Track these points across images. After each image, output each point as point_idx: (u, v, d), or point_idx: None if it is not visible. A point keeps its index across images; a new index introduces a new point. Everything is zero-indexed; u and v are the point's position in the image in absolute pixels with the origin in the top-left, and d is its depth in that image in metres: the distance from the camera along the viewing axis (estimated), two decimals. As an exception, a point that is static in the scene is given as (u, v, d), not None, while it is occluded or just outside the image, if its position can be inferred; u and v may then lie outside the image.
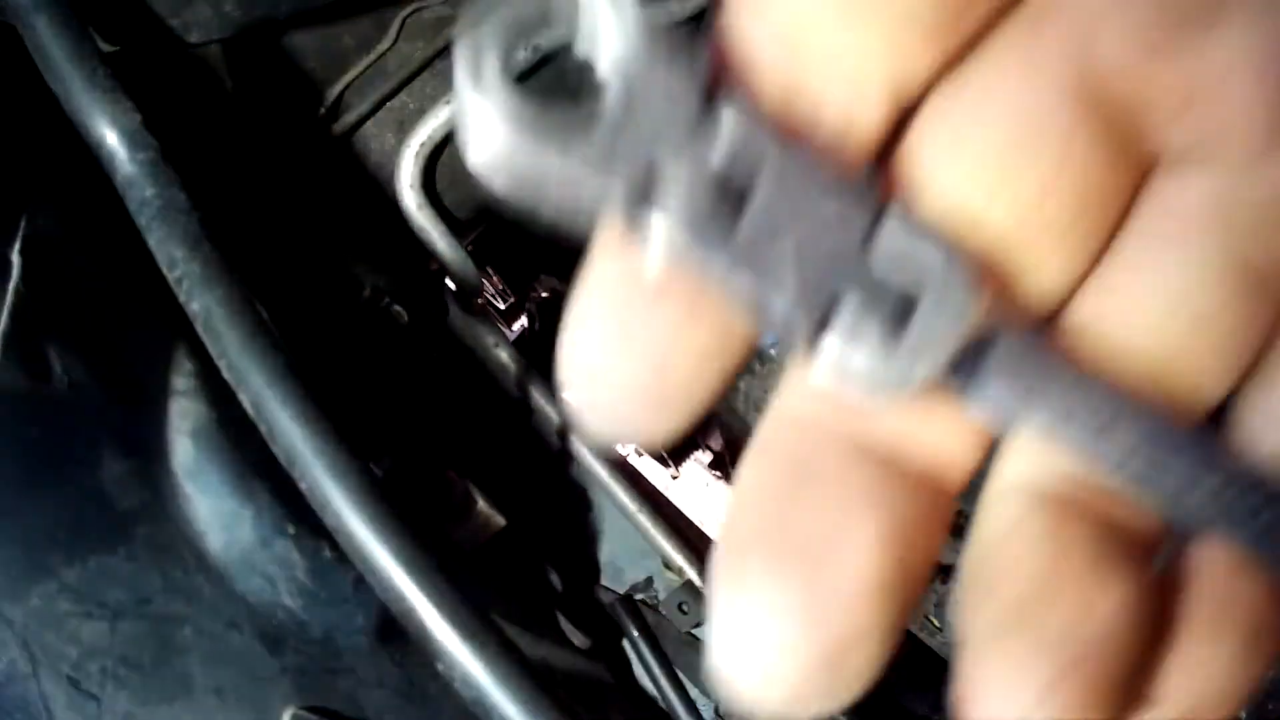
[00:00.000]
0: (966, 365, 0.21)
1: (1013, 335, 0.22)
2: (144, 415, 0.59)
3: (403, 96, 0.96)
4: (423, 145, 0.95)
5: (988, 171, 0.22)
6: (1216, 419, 0.25)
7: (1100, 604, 0.22)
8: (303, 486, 0.45)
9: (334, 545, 0.52)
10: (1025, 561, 0.23)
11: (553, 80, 0.22)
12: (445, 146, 0.98)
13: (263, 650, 0.57)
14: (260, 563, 0.58)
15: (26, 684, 0.48)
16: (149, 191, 0.49)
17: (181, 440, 0.59)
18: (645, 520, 1.09)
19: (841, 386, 0.21)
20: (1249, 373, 0.25)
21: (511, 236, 1.67)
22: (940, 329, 0.20)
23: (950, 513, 0.24)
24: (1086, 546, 0.23)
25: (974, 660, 0.23)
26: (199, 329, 0.47)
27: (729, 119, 0.19)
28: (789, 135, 0.20)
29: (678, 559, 1.09)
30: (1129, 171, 0.25)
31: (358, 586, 0.61)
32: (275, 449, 0.45)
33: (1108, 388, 0.22)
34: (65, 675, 0.49)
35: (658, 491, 1.20)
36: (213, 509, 0.58)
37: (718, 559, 0.22)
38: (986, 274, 0.21)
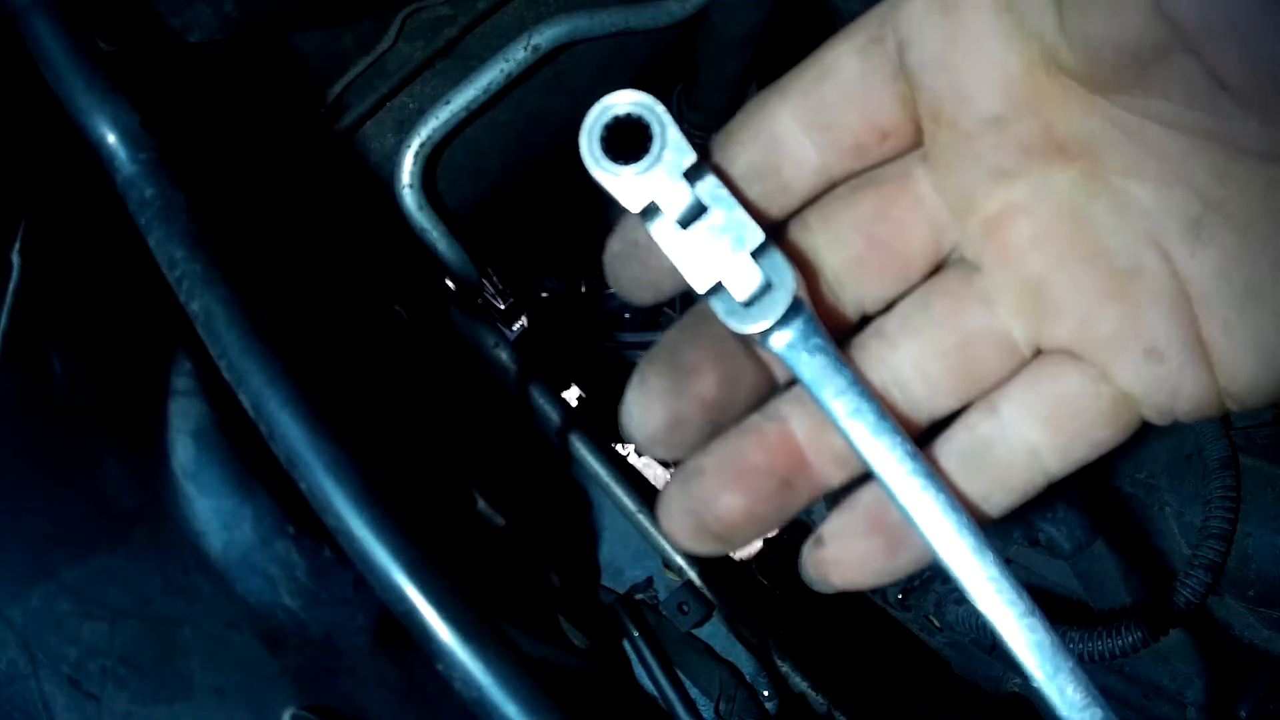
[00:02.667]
0: (778, 326, 0.41)
1: (808, 323, 0.41)
2: (144, 415, 0.59)
3: (403, 96, 0.96)
4: (423, 145, 0.95)
5: (847, 243, 0.44)
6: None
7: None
8: (302, 487, 0.45)
9: (334, 545, 0.52)
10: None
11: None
12: (445, 146, 0.98)
13: (263, 650, 0.57)
14: (260, 563, 0.58)
15: (26, 684, 0.48)
16: (149, 191, 0.49)
17: (181, 440, 0.59)
18: (645, 520, 1.09)
19: (721, 318, 0.41)
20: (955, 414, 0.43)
21: (511, 236, 1.67)
22: (773, 306, 0.41)
23: (761, 384, 0.44)
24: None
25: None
26: (199, 329, 0.47)
27: (705, 180, 0.42)
28: (736, 195, 0.42)
29: (678, 559, 1.09)
30: (934, 256, 0.45)
31: (358, 586, 0.61)
32: (275, 449, 0.45)
33: (853, 375, 0.41)
34: (65, 675, 0.49)
35: (658, 492, 1.20)
36: (213, 509, 0.58)
37: (645, 357, 0.43)
38: (810, 287, 0.44)
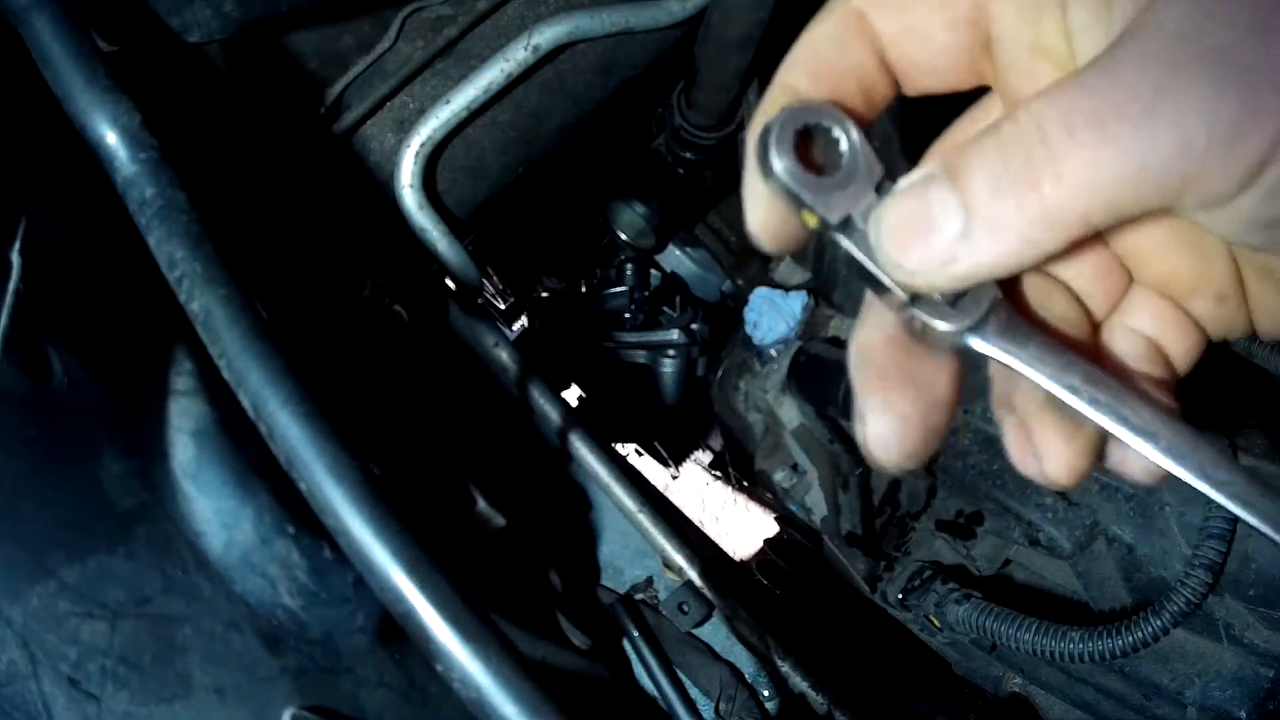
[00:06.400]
0: (982, 322, 0.42)
1: (1009, 314, 0.42)
2: (144, 415, 0.59)
3: (403, 96, 0.96)
4: (423, 145, 0.95)
5: None
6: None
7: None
8: (302, 487, 0.45)
9: (334, 545, 0.52)
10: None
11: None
12: (445, 146, 0.98)
13: (263, 650, 0.57)
14: (260, 563, 0.58)
15: (26, 684, 0.48)
16: (149, 191, 0.49)
17: (181, 440, 0.59)
18: (645, 520, 1.09)
19: (922, 325, 0.42)
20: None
21: (511, 236, 1.67)
22: (977, 304, 0.41)
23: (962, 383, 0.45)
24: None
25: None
26: (199, 329, 0.47)
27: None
28: None
29: (678, 559, 1.09)
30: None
31: (358, 586, 0.61)
32: (275, 449, 0.45)
33: (1067, 351, 0.42)
34: (65, 675, 0.49)
35: (658, 491, 1.20)
36: (213, 509, 0.58)
37: (861, 382, 0.44)
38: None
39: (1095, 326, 0.48)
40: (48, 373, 0.54)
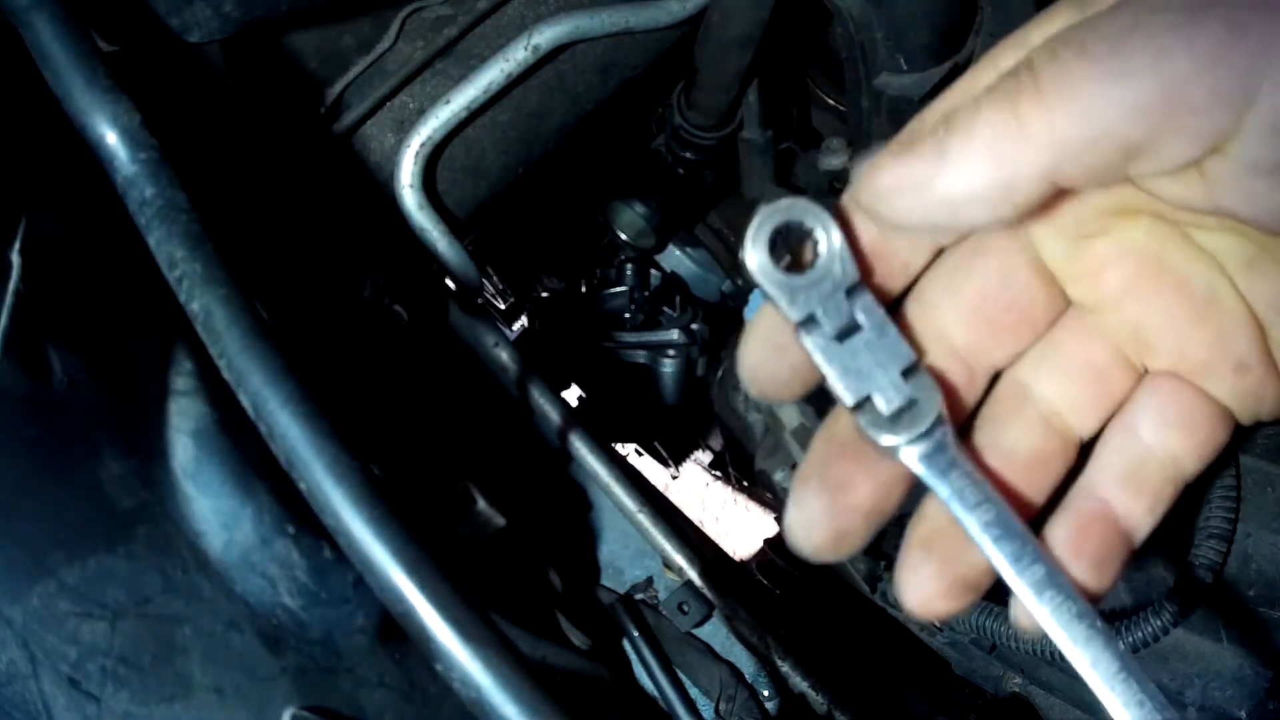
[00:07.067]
0: (917, 440, 0.43)
1: (945, 439, 0.43)
2: (144, 415, 0.59)
3: (403, 96, 0.96)
4: (423, 145, 0.95)
5: (977, 313, 0.46)
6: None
7: None
8: (302, 487, 0.45)
9: (334, 545, 0.52)
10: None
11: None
12: (445, 146, 0.98)
13: (263, 650, 0.57)
14: (260, 563, 0.58)
15: (26, 684, 0.48)
16: (149, 191, 0.49)
17: (181, 440, 0.59)
18: (645, 520, 1.09)
19: (865, 434, 0.43)
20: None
21: (511, 236, 1.67)
22: (917, 423, 0.42)
23: (901, 491, 0.45)
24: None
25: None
26: (199, 329, 0.47)
27: (862, 301, 0.42)
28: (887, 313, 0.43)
29: (678, 559, 1.09)
30: (1060, 307, 0.48)
31: (358, 586, 0.61)
32: (275, 449, 0.45)
33: (989, 487, 0.43)
34: (65, 675, 0.49)
35: (658, 491, 1.20)
36: (213, 509, 0.58)
37: (798, 478, 0.45)
38: (945, 392, 0.44)
39: (1075, 443, 0.47)
40: (48, 373, 0.54)
